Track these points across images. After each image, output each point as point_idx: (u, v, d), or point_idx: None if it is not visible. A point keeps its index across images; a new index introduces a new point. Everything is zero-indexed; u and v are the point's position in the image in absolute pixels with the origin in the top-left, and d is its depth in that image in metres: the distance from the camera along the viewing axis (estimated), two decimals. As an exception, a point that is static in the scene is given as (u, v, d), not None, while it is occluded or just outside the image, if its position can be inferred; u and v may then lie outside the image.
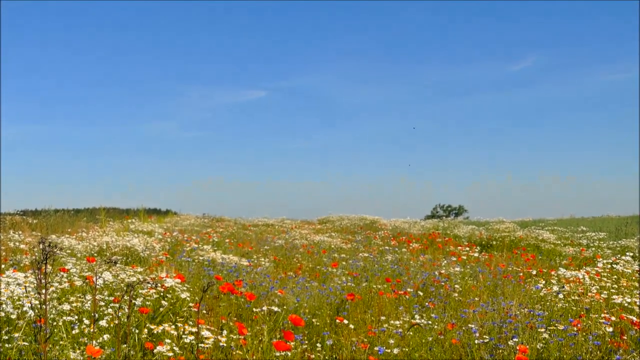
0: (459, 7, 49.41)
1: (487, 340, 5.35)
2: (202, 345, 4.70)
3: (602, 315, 5.77)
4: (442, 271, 9.73)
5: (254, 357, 4.81)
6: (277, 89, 50.41)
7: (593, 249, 15.33)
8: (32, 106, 48.08)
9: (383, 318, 6.43)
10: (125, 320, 4.61)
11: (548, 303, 6.83)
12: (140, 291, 6.10)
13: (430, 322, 6.16)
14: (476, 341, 5.33)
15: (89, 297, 5.87)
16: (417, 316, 6.55)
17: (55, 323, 5.07)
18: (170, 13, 48.75)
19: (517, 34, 47.82)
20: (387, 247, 14.44)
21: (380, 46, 49.84)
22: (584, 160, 44.47)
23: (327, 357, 5.53)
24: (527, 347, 4.88)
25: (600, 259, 8.98)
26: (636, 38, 42.52)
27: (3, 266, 8.83)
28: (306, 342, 5.61)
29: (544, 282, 8.14)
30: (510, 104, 47.72)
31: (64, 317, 5.25)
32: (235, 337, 4.90)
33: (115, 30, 48.60)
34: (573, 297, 6.81)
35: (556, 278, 7.91)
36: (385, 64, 50.52)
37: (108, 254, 11.04)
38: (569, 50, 46.78)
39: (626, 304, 6.46)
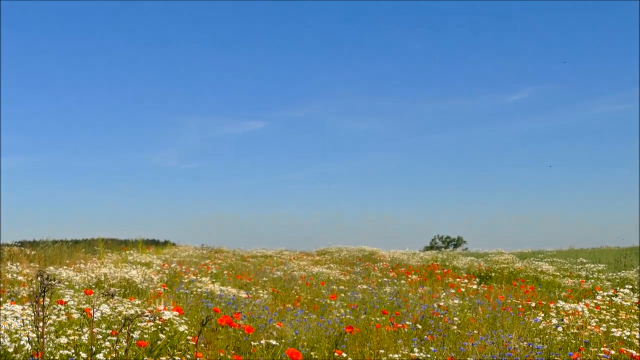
0: (456, 39, 49.86)
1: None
2: (200, 379, 4.67)
3: (602, 348, 5.75)
4: (441, 303, 9.70)
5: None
6: (276, 119, 50.69)
7: (592, 280, 15.29)
8: (31, 137, 48.24)
9: (382, 351, 6.40)
10: (123, 353, 4.59)
11: (547, 336, 6.80)
12: (138, 324, 6.08)
13: (429, 355, 6.13)
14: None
15: (86, 330, 5.85)
16: (415, 349, 6.52)
17: (52, 357, 5.05)
18: (169, 44, 49.13)
19: (514, 66, 48.20)
20: (385, 279, 14.39)
21: (379, 78, 50.21)
22: (583, 191, 44.54)
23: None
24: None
25: (600, 291, 8.97)
26: (636, 68, 42.81)
27: (0, 299, 8.80)
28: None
29: (543, 314, 8.11)
30: (508, 136, 47.94)
31: (61, 351, 5.23)
32: (233, 371, 4.88)
33: (114, 62, 48.96)
34: (572, 330, 6.79)
35: (555, 311, 7.89)
36: (384, 96, 50.85)
37: (106, 286, 11.00)
38: (567, 82, 47.12)
39: (625, 337, 6.43)
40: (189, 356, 5.53)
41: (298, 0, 49.63)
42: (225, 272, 15.65)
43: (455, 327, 7.79)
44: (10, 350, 5.05)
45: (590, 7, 46.50)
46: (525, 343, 6.11)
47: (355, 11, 50.01)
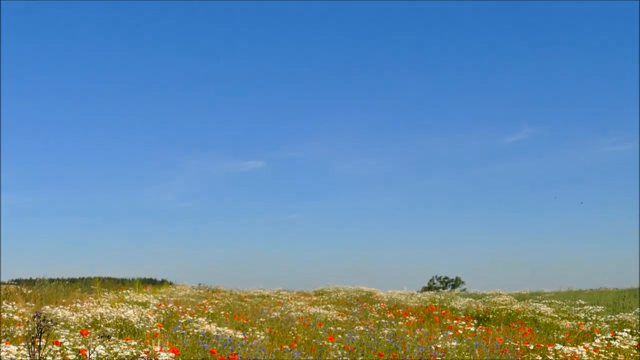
0: (454, 80, 50.36)
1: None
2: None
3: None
4: (439, 345, 9.65)
5: None
6: (275, 159, 50.87)
7: (591, 322, 15.22)
8: (29, 174, 48.33)
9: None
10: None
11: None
12: (133, 365, 6.04)
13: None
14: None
15: (82, 371, 5.82)
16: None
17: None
18: (168, 83, 49.60)
19: (513, 107, 48.64)
20: (383, 320, 14.32)
21: (378, 119, 50.58)
22: (582, 231, 44.51)
23: None
24: None
25: (598, 334, 8.93)
26: (636, 109, 43.16)
27: (-4, 338, 8.75)
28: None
29: (541, 357, 8.07)
30: (507, 177, 48.12)
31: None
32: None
33: (113, 100, 49.36)
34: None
35: (554, 354, 7.85)
36: (383, 136, 51.17)
37: (102, 326, 10.94)
38: (566, 123, 47.50)
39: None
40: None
41: (297, 44, 50.24)
42: (222, 312, 15.56)
43: (453, 370, 7.74)
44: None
45: (589, 50, 47.08)
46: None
47: (354, 52, 50.63)
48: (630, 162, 44.86)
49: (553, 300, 20.94)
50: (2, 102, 40.87)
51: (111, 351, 6.79)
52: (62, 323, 10.47)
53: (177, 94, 49.58)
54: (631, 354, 7.77)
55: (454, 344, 10.00)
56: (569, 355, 7.54)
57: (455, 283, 44.46)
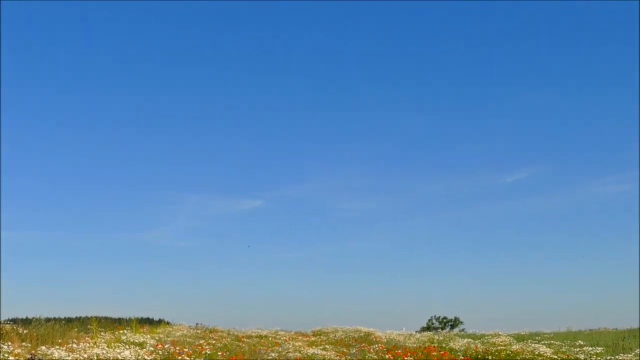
0: (453, 120, 50.77)
1: None
2: None
3: None
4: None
5: None
6: (273, 198, 50.94)
7: (590, 364, 15.13)
8: (25, 212, 48.34)
9: None
10: None
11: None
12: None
13: None
14: None
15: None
16: None
17: None
18: (165, 122, 50.01)
19: (512, 147, 48.93)
20: (381, 361, 14.24)
21: (377, 159, 50.85)
22: (581, 271, 44.41)
23: None
24: None
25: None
26: (636, 149, 43.40)
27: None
28: None
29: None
30: (505, 216, 48.16)
31: None
32: None
33: (110, 138, 49.65)
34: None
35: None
36: (382, 176, 51.37)
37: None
38: (565, 163, 47.74)
39: None
40: None
41: (295, 85, 50.77)
42: (220, 352, 15.47)
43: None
44: None
45: (588, 91, 47.60)
46: None
47: (352, 93, 51.13)
48: (630, 201, 44.94)
49: (552, 341, 20.82)
50: (2, 144, 41.05)
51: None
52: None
53: (175, 134, 49.95)
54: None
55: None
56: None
57: (454, 323, 44.18)
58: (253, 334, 25.34)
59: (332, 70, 50.42)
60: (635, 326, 26.54)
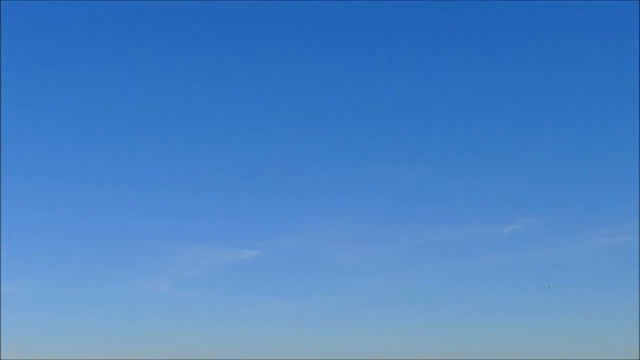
0: (448, 168, 50.58)
1: None
2: None
3: None
4: None
5: None
6: (270, 248, 50.40)
7: None
8: (21, 261, 47.78)
9: None
10: None
11: None
12: None
13: None
14: None
15: None
16: None
17: None
18: (159, 169, 49.85)
19: (508, 197, 48.64)
20: None
21: (373, 207, 50.51)
22: (581, 324, 43.68)
23: None
24: None
25: None
26: (636, 199, 43.08)
27: None
28: None
29: None
30: (503, 268, 47.52)
31: None
32: None
33: (104, 185, 49.43)
34: None
35: None
36: (379, 224, 50.94)
37: None
38: (563, 213, 47.35)
39: None
40: None
41: (291, 136, 50.86)
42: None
43: None
44: None
45: (588, 139, 47.65)
46: None
47: (343, 143, 51.17)
48: (629, 253, 44.43)
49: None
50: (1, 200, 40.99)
51: None
52: None
53: (169, 181, 49.74)
54: None
55: None
56: None
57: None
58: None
59: (329, 123, 50.66)
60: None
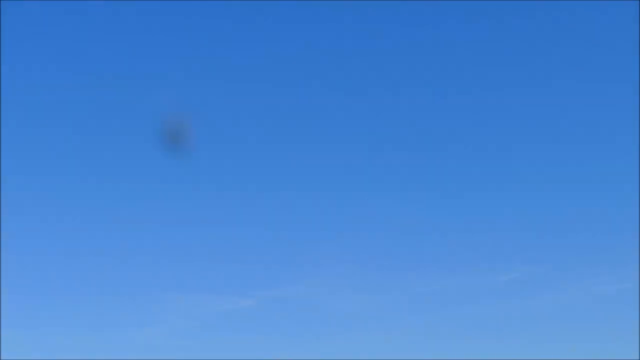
0: (444, 214, 50.51)
1: None
2: None
3: None
4: None
5: None
6: (266, 298, 49.94)
7: None
8: (17, 310, 47.28)
9: None
10: None
11: None
12: None
13: None
14: None
15: None
16: None
17: None
18: (155, 209, 49.69)
19: (506, 244, 48.48)
20: None
21: (371, 254, 50.27)
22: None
23: None
24: None
25: None
26: (636, 245, 42.80)
27: None
28: None
29: None
30: (502, 316, 47.15)
31: None
32: None
33: (97, 234, 49.29)
34: None
35: None
36: (376, 272, 50.64)
37: None
38: (562, 261, 47.09)
39: None
40: None
41: (286, 183, 50.86)
42: None
43: None
44: None
45: (581, 188, 47.68)
46: None
47: (339, 183, 51.16)
48: (629, 302, 44.13)
49: None
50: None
51: None
52: None
53: (163, 232, 49.57)
54: None
55: None
56: None
57: None
58: None
59: (323, 174, 50.88)
60: None
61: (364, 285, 51.63)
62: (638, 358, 39.56)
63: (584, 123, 50.15)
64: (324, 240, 51.03)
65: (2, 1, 39.15)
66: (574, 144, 49.69)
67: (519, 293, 49.33)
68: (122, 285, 49.27)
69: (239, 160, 51.43)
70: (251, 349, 47.39)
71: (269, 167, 51.24)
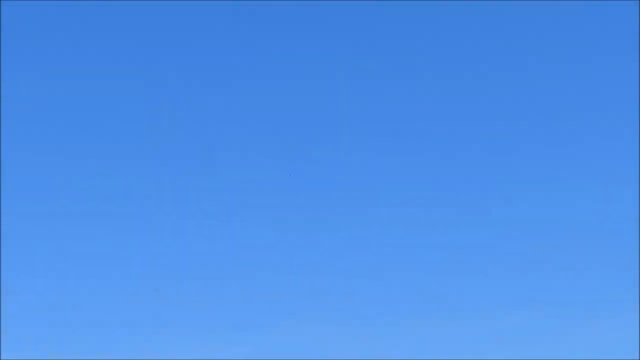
0: (442, 257, 50.19)
1: None
2: None
3: None
4: None
5: None
6: (262, 343, 49.71)
7: None
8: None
9: None
10: None
11: None
12: None
13: None
14: None
15: None
16: None
17: None
18: (148, 261, 49.43)
19: (500, 290, 48.27)
20: None
21: (367, 302, 49.84)
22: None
23: None
24: None
25: None
26: (636, 287, 42.62)
27: None
28: None
29: None
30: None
31: None
32: None
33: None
34: None
35: None
36: (371, 320, 50.25)
37: None
38: (564, 304, 46.79)
39: None
40: None
41: (278, 233, 50.69)
42: None
43: None
44: None
45: (577, 230, 47.63)
46: None
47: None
48: (630, 341, 43.93)
49: None
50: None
51: None
52: None
53: (156, 271, 49.37)
54: None
55: None
56: None
57: None
58: None
59: (315, 223, 50.83)
60: None
61: (360, 334, 51.23)
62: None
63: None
64: (319, 285, 50.72)
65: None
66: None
67: (514, 340, 48.68)
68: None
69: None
70: None
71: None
